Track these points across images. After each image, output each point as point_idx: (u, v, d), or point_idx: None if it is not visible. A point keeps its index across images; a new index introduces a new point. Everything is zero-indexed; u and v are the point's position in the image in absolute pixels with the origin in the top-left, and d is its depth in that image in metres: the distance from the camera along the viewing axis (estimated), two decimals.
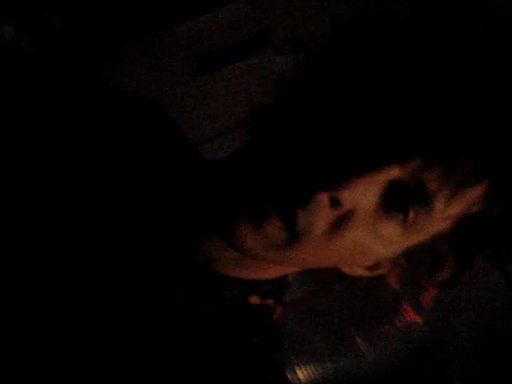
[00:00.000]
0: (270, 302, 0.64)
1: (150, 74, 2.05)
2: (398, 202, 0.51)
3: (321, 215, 0.50)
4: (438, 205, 0.51)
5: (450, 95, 0.50)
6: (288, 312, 1.88)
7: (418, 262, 0.56)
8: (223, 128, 1.85)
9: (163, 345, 0.59)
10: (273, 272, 0.62)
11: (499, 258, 0.56)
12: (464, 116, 0.50)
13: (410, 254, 0.56)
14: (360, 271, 0.60)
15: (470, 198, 0.52)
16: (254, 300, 0.63)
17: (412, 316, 2.02)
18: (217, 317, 0.61)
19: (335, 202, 0.50)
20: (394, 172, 0.49)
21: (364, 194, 0.50)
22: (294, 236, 0.51)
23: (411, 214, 0.51)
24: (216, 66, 1.98)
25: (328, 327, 1.97)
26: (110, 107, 0.71)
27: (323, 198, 0.50)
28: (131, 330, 0.59)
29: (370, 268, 0.59)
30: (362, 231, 0.52)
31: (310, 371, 1.92)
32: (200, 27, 2.02)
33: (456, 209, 0.52)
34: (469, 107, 0.50)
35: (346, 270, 0.60)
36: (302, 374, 1.90)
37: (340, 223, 0.51)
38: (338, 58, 0.56)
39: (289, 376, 1.87)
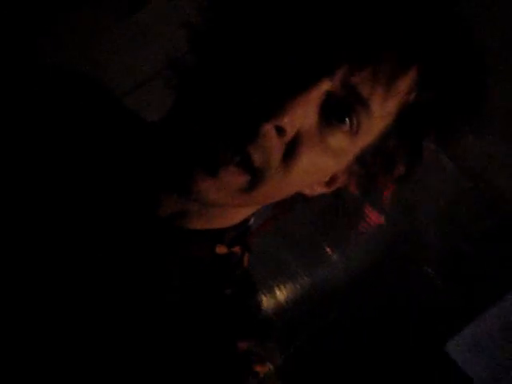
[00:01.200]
0: (237, 249, 0.64)
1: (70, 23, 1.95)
2: (337, 112, 0.52)
3: (272, 147, 0.51)
4: (375, 104, 0.52)
5: None
6: (256, 237, 1.90)
7: (371, 165, 0.58)
8: (151, 71, 1.79)
9: (143, 312, 0.59)
10: (238, 216, 0.63)
11: (443, 141, 0.58)
12: (375, 13, 0.51)
13: (362, 160, 0.58)
14: (319, 189, 0.61)
15: (402, 89, 0.53)
16: (221, 250, 0.63)
17: (376, 218, 2.07)
18: (187, 272, 0.61)
19: (280, 131, 0.51)
20: (324, 85, 0.51)
21: (303, 114, 0.51)
22: (254, 176, 0.53)
23: (352, 120, 0.53)
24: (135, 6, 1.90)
25: (297, 244, 2.01)
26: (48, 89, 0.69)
27: (268, 129, 0.50)
28: (114, 304, 0.58)
29: (328, 184, 0.60)
30: (313, 150, 0.53)
31: (287, 290, 1.97)
32: None
33: (392, 103, 0.53)
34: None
35: (307, 192, 0.61)
36: (281, 293, 1.95)
37: (292, 150, 0.53)
38: None
39: (268, 298, 1.92)
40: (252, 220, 0.65)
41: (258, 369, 0.59)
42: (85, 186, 0.62)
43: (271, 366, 0.60)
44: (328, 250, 2.04)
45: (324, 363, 1.82)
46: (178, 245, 0.61)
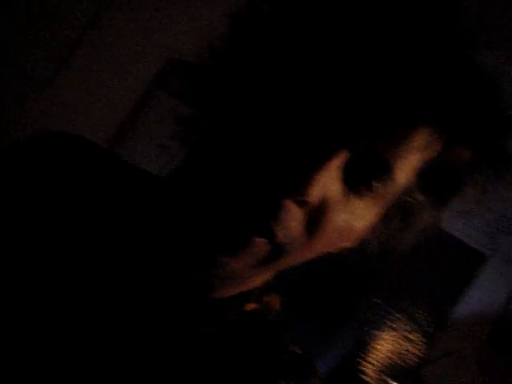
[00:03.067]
0: (267, 298, 0.63)
1: None
2: (362, 178, 0.51)
3: (292, 219, 0.50)
4: (399, 172, 0.52)
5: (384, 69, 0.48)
6: None
7: (393, 219, 0.58)
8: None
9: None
10: (263, 278, 0.61)
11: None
12: (405, 82, 0.49)
13: (385, 216, 0.57)
14: (348, 245, 0.60)
15: (427, 155, 0.53)
16: (251, 306, 0.62)
17: None
18: (221, 335, 0.60)
19: (301, 203, 0.50)
20: (344, 156, 0.49)
21: (325, 185, 0.50)
22: (278, 248, 0.51)
23: (377, 186, 0.52)
24: None
25: None
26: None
27: (289, 204, 0.49)
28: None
29: (354, 241, 0.60)
30: (339, 216, 0.53)
31: None
32: None
33: (417, 167, 0.53)
34: (403, 80, 0.49)
35: (335, 251, 0.60)
36: None
37: (316, 218, 0.52)
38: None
39: None
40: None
41: None
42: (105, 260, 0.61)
43: None
44: None
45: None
46: (207, 313, 0.60)
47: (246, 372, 0.60)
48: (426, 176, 0.55)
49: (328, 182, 0.50)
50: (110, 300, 0.59)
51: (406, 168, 0.52)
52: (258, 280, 0.61)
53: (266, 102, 0.51)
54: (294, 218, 0.50)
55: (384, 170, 0.51)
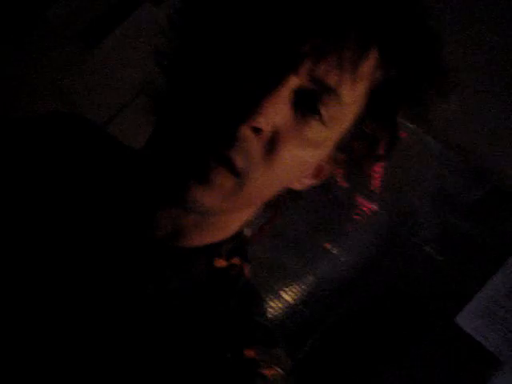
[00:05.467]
0: (236, 261, 0.65)
1: (35, 67, 1.95)
2: (310, 104, 0.55)
3: (251, 147, 0.54)
4: (344, 91, 0.55)
5: None
6: (254, 244, 1.91)
7: (353, 149, 0.61)
8: (126, 98, 1.80)
9: (144, 335, 0.60)
10: (233, 225, 0.64)
11: (417, 114, 0.61)
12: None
13: (343, 146, 0.61)
14: (308, 181, 0.64)
15: (367, 71, 0.55)
16: (220, 263, 0.64)
17: (369, 206, 2.09)
18: (188, 289, 0.62)
19: (258, 131, 0.54)
20: (292, 82, 0.53)
21: (276, 112, 0.53)
22: (240, 177, 0.55)
23: (324, 110, 0.55)
24: (99, 37, 1.91)
25: (296, 244, 2.02)
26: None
27: (245, 131, 0.53)
28: (110, 329, 0.59)
29: (315, 175, 0.63)
30: (292, 144, 0.56)
31: (294, 291, 1.97)
32: (70, 7, 1.93)
33: (360, 86, 0.56)
34: None
35: (296, 186, 0.63)
36: (288, 296, 1.96)
37: (271, 146, 0.55)
38: None
39: (276, 303, 1.93)
40: (245, 230, 0.66)
41: (266, 372, 0.60)
42: (79, 213, 0.64)
43: (280, 370, 0.61)
44: (327, 245, 2.05)
45: (337, 357, 1.83)
46: (177, 263, 0.62)
47: (210, 336, 0.61)
48: (372, 102, 0.58)
49: (278, 109, 0.54)
50: (83, 249, 0.62)
51: (350, 91, 0.55)
52: (230, 226, 0.63)
53: (214, 41, 0.56)
54: (250, 144, 0.54)
55: (326, 93, 0.54)
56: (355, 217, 2.08)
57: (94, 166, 0.68)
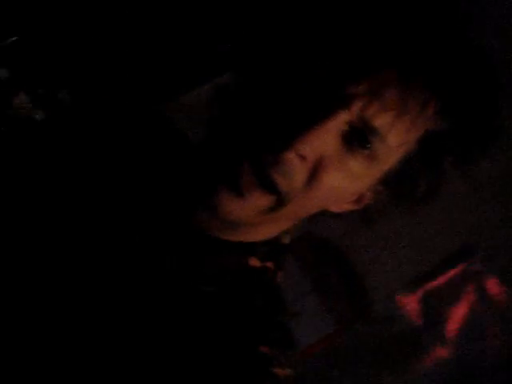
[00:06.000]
0: (270, 264, 0.67)
1: None
2: (356, 140, 0.57)
3: (295, 172, 0.56)
4: (391, 136, 0.57)
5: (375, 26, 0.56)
6: (308, 356, 1.85)
7: (395, 185, 0.62)
8: None
9: (169, 312, 0.61)
10: (267, 231, 0.66)
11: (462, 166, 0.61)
12: (388, 46, 0.55)
13: (386, 181, 0.62)
14: (346, 207, 0.65)
15: (420, 121, 0.57)
16: (254, 262, 0.66)
17: (439, 350, 1.98)
18: (219, 280, 0.64)
19: (302, 158, 0.56)
20: (341, 117, 0.55)
21: (323, 142, 0.56)
22: (279, 197, 0.57)
23: (370, 148, 0.57)
24: None
25: (352, 369, 1.93)
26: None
27: (290, 156, 0.56)
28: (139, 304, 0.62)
29: (355, 201, 0.65)
30: (334, 174, 0.58)
31: None
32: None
33: (410, 134, 0.58)
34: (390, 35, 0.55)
35: (334, 209, 0.65)
36: None
37: (314, 173, 0.57)
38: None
39: None
40: (287, 239, 0.68)
41: (277, 371, 0.60)
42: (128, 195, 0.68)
43: (291, 371, 0.60)
44: (386, 379, 1.94)
45: None
46: (212, 252, 0.65)
47: (230, 327, 0.62)
48: (422, 147, 0.59)
49: (326, 139, 0.56)
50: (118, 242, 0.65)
51: (397, 136, 0.57)
52: (264, 231, 0.66)
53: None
54: (295, 169, 0.56)
55: (371, 134, 0.56)
56: (422, 358, 1.97)
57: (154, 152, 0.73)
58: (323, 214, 0.66)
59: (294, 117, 0.56)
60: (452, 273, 2.05)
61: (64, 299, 0.62)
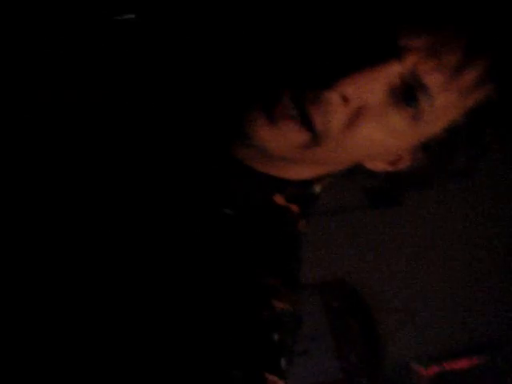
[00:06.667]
0: (295, 207, 0.66)
1: None
2: (403, 95, 0.55)
3: (334, 112, 0.55)
4: (440, 98, 0.55)
5: None
6: None
7: (434, 154, 0.60)
8: None
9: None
10: (299, 172, 0.65)
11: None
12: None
13: (426, 147, 0.60)
14: (382, 165, 0.63)
15: (468, 84, 0.55)
16: (279, 200, 0.65)
17: None
18: (244, 208, 0.64)
19: (345, 100, 0.54)
20: (394, 68, 0.54)
21: (369, 89, 0.54)
22: (314, 136, 0.55)
23: (416, 106, 0.55)
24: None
25: None
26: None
27: (333, 96, 0.54)
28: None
29: (391, 162, 0.63)
30: (374, 125, 0.56)
31: None
32: None
33: (455, 96, 0.56)
34: None
35: (369, 165, 0.63)
36: None
37: (353, 119, 0.55)
38: None
39: None
40: (318, 188, 0.68)
41: (275, 303, 0.58)
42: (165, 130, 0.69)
43: (290, 308, 0.59)
44: None
45: None
46: (239, 178, 0.64)
47: (242, 257, 0.61)
48: (468, 117, 0.57)
49: (373, 86, 0.54)
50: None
51: (447, 97, 0.55)
52: (295, 170, 0.64)
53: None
54: (334, 109, 0.54)
55: (421, 92, 0.54)
56: None
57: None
58: (357, 171, 0.65)
59: (344, 56, 0.54)
60: (472, 361, 1.95)
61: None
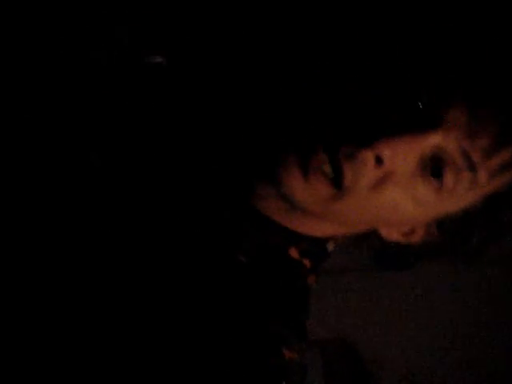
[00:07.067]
0: (307, 261, 0.67)
1: None
2: (435, 168, 0.56)
3: (365, 172, 0.56)
4: (482, 177, 0.56)
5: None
6: None
7: (448, 232, 0.61)
8: None
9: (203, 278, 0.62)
10: (316, 228, 0.67)
11: None
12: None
13: (441, 224, 0.61)
14: (396, 235, 0.64)
15: (495, 166, 0.56)
16: (294, 253, 0.67)
17: None
18: (258, 257, 0.65)
19: (378, 161, 0.55)
20: (434, 139, 0.55)
21: (404, 155, 0.55)
22: (340, 191, 0.57)
23: (447, 181, 0.56)
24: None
25: None
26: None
27: (368, 156, 0.55)
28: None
29: (405, 234, 0.64)
30: (400, 191, 0.57)
31: None
32: None
33: (496, 184, 0.57)
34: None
35: (383, 232, 0.65)
36: None
37: (381, 182, 0.57)
38: None
39: None
40: (331, 246, 0.69)
41: (284, 352, 0.59)
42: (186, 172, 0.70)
43: (297, 356, 0.59)
44: None
45: None
46: (257, 228, 0.66)
47: (254, 305, 0.62)
48: (490, 203, 0.58)
49: (407, 154, 0.55)
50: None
51: (488, 180, 0.55)
52: (313, 227, 0.66)
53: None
54: (366, 168, 0.55)
55: (467, 167, 0.55)
56: None
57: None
58: (370, 236, 0.66)
59: (387, 118, 0.55)
60: None
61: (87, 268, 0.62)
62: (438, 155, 0.56)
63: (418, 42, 0.59)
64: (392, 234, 0.65)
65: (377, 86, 0.59)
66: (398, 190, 0.57)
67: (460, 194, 0.57)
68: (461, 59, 0.57)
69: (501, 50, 0.57)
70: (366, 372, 1.99)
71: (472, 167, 0.55)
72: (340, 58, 0.66)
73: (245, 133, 0.74)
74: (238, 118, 0.76)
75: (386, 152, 0.54)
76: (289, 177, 0.58)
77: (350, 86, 0.61)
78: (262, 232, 0.66)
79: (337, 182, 0.56)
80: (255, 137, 0.72)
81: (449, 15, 0.60)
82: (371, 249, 0.67)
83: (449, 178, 0.56)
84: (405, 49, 0.60)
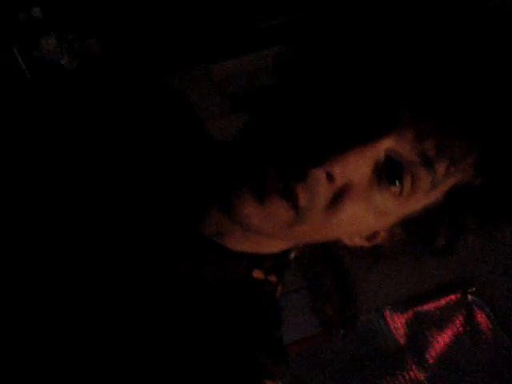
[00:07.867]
0: (273, 278, 0.66)
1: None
2: (391, 173, 0.53)
3: (319, 191, 0.53)
4: (439, 172, 0.53)
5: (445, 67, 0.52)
6: (290, 352, 1.86)
7: (413, 231, 0.59)
8: None
9: (168, 312, 0.61)
10: (277, 246, 0.65)
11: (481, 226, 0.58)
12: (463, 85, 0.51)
13: (405, 224, 0.59)
14: (359, 242, 0.62)
15: (463, 168, 0.53)
16: (258, 274, 0.65)
17: (415, 373, 1.99)
18: (221, 288, 0.63)
19: (330, 178, 0.52)
20: (385, 144, 0.52)
21: (356, 167, 0.52)
22: (297, 214, 0.54)
23: (406, 183, 0.53)
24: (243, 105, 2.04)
25: (329, 371, 1.94)
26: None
27: (319, 174, 0.52)
28: (138, 297, 0.61)
29: (368, 238, 0.62)
30: (358, 204, 0.54)
31: None
32: (232, 69, 2.12)
33: (453, 179, 0.54)
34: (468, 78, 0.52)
35: (346, 241, 0.63)
36: None
37: (337, 198, 0.54)
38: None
39: None
40: (292, 255, 0.68)
41: (268, 382, 0.59)
42: (138, 190, 0.67)
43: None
44: None
45: None
46: (217, 261, 0.64)
47: (227, 334, 0.61)
48: (449, 199, 0.56)
49: (359, 166, 0.52)
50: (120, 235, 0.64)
51: (445, 176, 0.53)
52: (275, 246, 0.64)
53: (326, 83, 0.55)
54: (319, 187, 0.52)
55: (425, 166, 0.52)
56: (398, 377, 1.98)
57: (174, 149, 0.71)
58: (333, 245, 0.64)
59: (331, 133, 0.52)
60: (444, 301, 2.05)
61: (60, 307, 0.61)
62: (391, 159, 0.53)
63: (364, 46, 0.55)
64: (355, 241, 0.63)
65: (320, 101, 0.55)
66: (356, 204, 0.54)
67: (420, 195, 0.55)
68: (407, 60, 0.53)
69: (446, 51, 0.52)
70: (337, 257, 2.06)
71: (428, 163, 0.52)
72: (281, 76, 0.61)
73: (192, 157, 0.69)
74: (185, 140, 0.72)
75: (336, 168, 0.52)
76: (243, 204, 0.55)
77: (291, 104, 0.57)
78: (219, 261, 0.64)
79: (292, 203, 0.53)
80: (203, 162, 0.68)
81: (387, 19, 0.55)
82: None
83: (407, 181, 0.53)
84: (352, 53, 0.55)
